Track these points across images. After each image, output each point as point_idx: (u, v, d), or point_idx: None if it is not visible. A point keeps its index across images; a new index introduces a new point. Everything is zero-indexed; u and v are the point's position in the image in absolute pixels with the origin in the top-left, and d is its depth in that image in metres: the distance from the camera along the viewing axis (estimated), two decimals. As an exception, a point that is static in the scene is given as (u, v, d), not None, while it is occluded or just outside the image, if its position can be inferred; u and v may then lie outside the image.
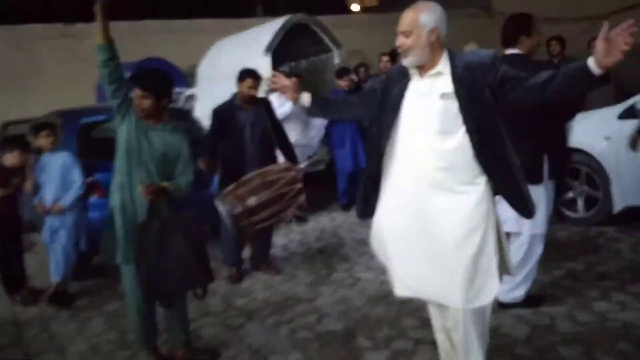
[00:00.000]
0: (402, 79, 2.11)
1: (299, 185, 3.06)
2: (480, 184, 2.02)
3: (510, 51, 2.85)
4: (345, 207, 5.82)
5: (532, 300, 3.03)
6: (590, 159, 4.22)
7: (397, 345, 2.86)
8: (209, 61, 7.33)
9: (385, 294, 3.32)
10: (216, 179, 4.05)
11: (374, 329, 3.05)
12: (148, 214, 2.58)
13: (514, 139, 2.06)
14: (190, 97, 7.82)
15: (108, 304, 3.81)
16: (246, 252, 4.31)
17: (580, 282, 3.34)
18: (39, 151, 4.00)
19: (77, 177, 3.90)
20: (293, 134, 5.19)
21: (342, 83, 5.66)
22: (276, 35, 6.03)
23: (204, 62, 7.46)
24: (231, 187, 3.03)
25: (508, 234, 2.56)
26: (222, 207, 2.94)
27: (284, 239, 5.00)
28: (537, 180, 2.77)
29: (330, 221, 5.49)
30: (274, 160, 3.92)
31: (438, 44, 2.01)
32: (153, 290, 2.55)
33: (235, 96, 3.99)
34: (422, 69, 2.05)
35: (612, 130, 3.97)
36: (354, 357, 2.81)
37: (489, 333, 2.20)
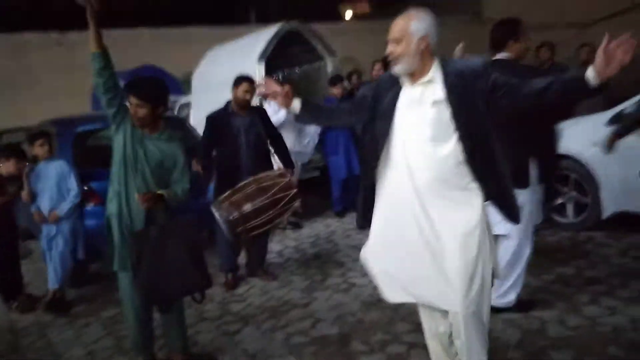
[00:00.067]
0: (393, 86, 2.12)
1: (294, 191, 3.10)
2: (473, 190, 2.06)
3: (498, 56, 2.89)
4: (340, 214, 5.87)
5: (522, 304, 3.07)
6: (579, 165, 4.28)
7: (391, 350, 2.89)
8: (203, 69, 7.37)
9: (379, 299, 3.33)
10: (212, 185, 4.08)
11: (368, 334, 3.09)
12: (145, 221, 2.60)
13: (501, 143, 2.09)
14: (185, 105, 7.85)
15: (105, 310, 3.83)
16: (242, 258, 4.34)
17: (570, 287, 3.38)
18: (35, 160, 4.03)
19: (73, 186, 3.93)
20: (287, 141, 5.21)
21: (336, 90, 5.71)
22: (269, 43, 6.09)
23: (198, 70, 7.50)
24: (227, 193, 3.06)
25: (496, 237, 2.61)
26: (218, 214, 2.97)
27: (279, 245, 5.04)
28: (523, 184, 2.81)
29: (325, 227, 5.54)
30: (269, 166, 3.94)
31: (428, 52, 2.03)
32: (152, 295, 2.57)
33: (229, 103, 4.02)
34: (413, 76, 2.06)
35: (601, 137, 4.03)
36: (348, 362, 2.84)
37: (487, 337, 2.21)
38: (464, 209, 2.05)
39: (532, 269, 3.26)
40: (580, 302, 3.17)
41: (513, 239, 2.91)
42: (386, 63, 2.33)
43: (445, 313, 2.19)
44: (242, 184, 3.11)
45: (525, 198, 2.80)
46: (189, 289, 2.66)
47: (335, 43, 7.24)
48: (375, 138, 2.15)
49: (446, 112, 1.99)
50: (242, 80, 3.94)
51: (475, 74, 2.01)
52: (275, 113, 5.06)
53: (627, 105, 4.05)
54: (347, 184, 5.84)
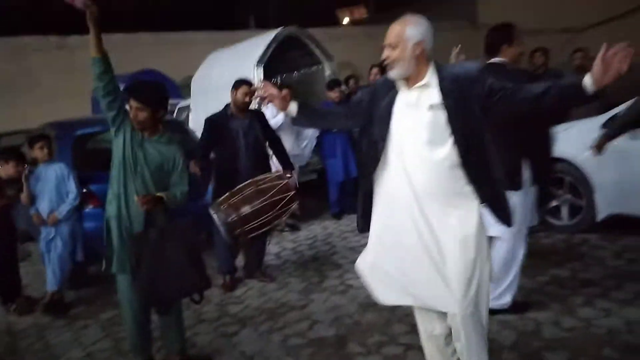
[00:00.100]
0: (389, 91, 2.14)
1: (292, 193, 3.13)
2: (469, 193, 2.08)
3: (492, 60, 2.93)
4: (337, 216, 5.91)
5: (518, 306, 3.09)
6: (573, 168, 4.32)
7: (388, 351, 2.91)
8: (202, 73, 7.41)
9: (375, 301, 3.38)
10: (210, 188, 4.10)
11: (365, 335, 3.11)
12: (144, 224, 2.62)
13: (495, 146, 2.11)
14: (184, 109, 7.89)
15: (103, 312, 3.84)
16: (239, 261, 4.36)
17: (565, 289, 3.41)
18: (34, 162, 4.05)
19: (72, 188, 3.95)
20: (285, 144, 5.26)
21: (333, 94, 5.75)
22: (268, 47, 6.14)
23: (197, 74, 7.54)
24: (225, 195, 3.09)
25: (489, 239, 2.63)
26: (216, 216, 3.00)
27: (277, 247, 5.06)
28: (516, 186, 2.84)
29: (322, 230, 5.56)
30: (267, 168, 3.97)
31: (424, 57, 2.05)
32: (151, 297, 2.59)
33: (228, 106, 4.05)
34: (409, 81, 2.08)
35: (595, 140, 4.07)
36: (345, 363, 2.86)
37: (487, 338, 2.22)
38: (462, 212, 2.07)
39: (527, 271, 3.29)
40: (575, 304, 3.19)
41: (505, 241, 2.94)
42: (383, 68, 2.35)
43: (441, 315, 2.21)
44: (240, 186, 3.14)
45: (517, 200, 2.83)
46: (188, 290, 2.67)
47: (332, 48, 7.30)
48: (372, 142, 2.17)
49: (442, 116, 2.01)
50: (242, 83, 3.98)
51: (471, 79, 2.04)
52: (273, 116, 5.10)
53: (621, 110, 4.09)
54: (344, 187, 5.88)
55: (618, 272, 3.62)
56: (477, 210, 2.09)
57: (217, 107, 4.20)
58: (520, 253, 3.00)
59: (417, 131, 2.04)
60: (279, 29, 6.39)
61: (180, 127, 5.54)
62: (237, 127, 3.96)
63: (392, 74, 2.08)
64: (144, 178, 2.65)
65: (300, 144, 5.77)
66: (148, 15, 14.93)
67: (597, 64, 1.78)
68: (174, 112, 7.96)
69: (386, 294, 2.23)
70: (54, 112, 7.33)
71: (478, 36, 3.50)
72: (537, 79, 3.14)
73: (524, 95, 1.98)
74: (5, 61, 10.79)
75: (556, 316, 3.05)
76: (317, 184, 6.25)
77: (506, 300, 3.04)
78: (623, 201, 4.09)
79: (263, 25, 13.66)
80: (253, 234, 3.04)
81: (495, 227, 2.73)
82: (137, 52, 11.40)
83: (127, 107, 2.67)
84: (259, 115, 4.20)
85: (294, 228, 5.58)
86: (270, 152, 4.26)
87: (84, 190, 4.08)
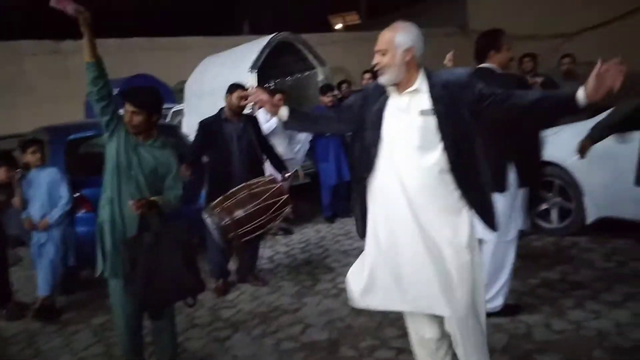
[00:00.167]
0: (380, 96, 2.16)
1: (284, 197, 3.14)
2: (459, 197, 2.09)
3: (481, 65, 2.97)
4: (330, 220, 5.93)
5: (509, 309, 3.11)
6: (563, 171, 4.37)
7: (380, 355, 2.92)
8: (196, 78, 7.42)
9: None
10: (203, 192, 4.11)
11: (357, 339, 3.12)
12: (138, 228, 2.61)
13: (482, 148, 2.14)
14: (177, 113, 7.90)
15: (95, 317, 3.83)
16: (232, 264, 4.36)
17: (555, 291, 3.44)
18: (27, 167, 4.04)
19: (64, 193, 3.94)
20: (279, 148, 5.28)
21: (326, 99, 5.78)
22: (261, 53, 6.16)
23: (191, 78, 7.55)
24: (218, 199, 3.10)
25: (480, 241, 2.65)
26: (209, 220, 3.01)
27: (269, 251, 5.07)
28: (501, 188, 2.86)
29: (315, 233, 5.58)
30: (260, 172, 3.97)
31: (414, 63, 2.07)
32: (146, 301, 2.58)
33: (222, 110, 4.07)
34: (399, 87, 2.10)
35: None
36: (338, 366, 2.87)
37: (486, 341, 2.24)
38: (454, 215, 2.09)
39: (517, 274, 3.33)
40: (565, 306, 3.22)
41: (493, 244, 2.96)
42: (375, 73, 2.38)
43: (431, 319, 2.22)
44: (233, 190, 3.16)
45: (504, 203, 2.86)
46: (183, 293, 2.67)
47: (325, 53, 7.34)
48: (364, 147, 2.18)
49: (432, 122, 2.03)
50: (236, 87, 4.00)
51: (461, 85, 2.07)
52: (266, 121, 5.12)
53: (609, 114, 4.14)
54: (337, 191, 5.91)
55: (607, 274, 3.66)
56: (468, 214, 2.12)
57: (210, 111, 4.21)
58: (511, 256, 3.03)
59: (408, 136, 2.06)
60: (272, 35, 6.43)
61: (173, 132, 5.54)
62: (231, 131, 3.97)
63: (383, 79, 2.10)
64: (138, 182, 2.65)
65: (293, 148, 5.79)
66: (142, 20, 14.93)
67: (591, 80, 1.82)
68: (167, 116, 7.96)
69: (378, 300, 2.19)
70: (48, 116, 7.32)
71: (469, 42, 3.54)
72: (526, 84, 3.19)
73: (515, 103, 2.02)
74: (0, 65, 10.76)
75: (547, 319, 3.08)
76: (310, 188, 6.27)
77: (498, 303, 3.06)
78: (612, 204, 4.14)
79: (257, 30, 13.68)
80: (246, 238, 3.05)
81: (483, 230, 2.75)
82: (131, 56, 11.40)
83: (121, 111, 2.67)
84: (252, 119, 4.22)
85: (286, 232, 5.59)
86: (264, 156, 4.28)
87: (77, 195, 4.07)
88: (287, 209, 3.17)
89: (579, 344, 2.79)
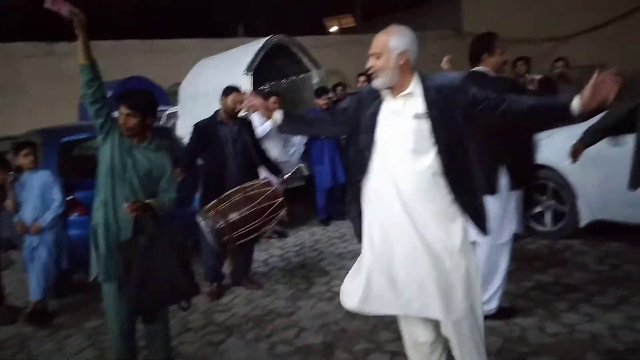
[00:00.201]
0: (375, 99, 2.17)
1: (279, 200, 3.14)
2: (452, 200, 2.09)
3: (475, 69, 2.99)
4: (324, 222, 5.93)
5: (503, 312, 3.12)
6: (556, 174, 4.39)
7: (374, 358, 2.92)
8: (191, 80, 7.42)
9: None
10: (197, 194, 4.09)
11: (352, 342, 3.11)
12: (133, 231, 2.60)
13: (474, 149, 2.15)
14: (172, 115, 7.89)
15: (88, 321, 3.80)
16: (226, 268, 4.35)
17: (549, 294, 3.45)
18: (19, 169, 4.01)
19: (56, 196, 3.91)
20: (273, 150, 5.30)
21: (321, 102, 5.79)
22: (256, 55, 6.18)
23: (186, 81, 7.54)
24: (213, 202, 3.09)
25: (473, 244, 2.65)
26: (204, 223, 3.00)
27: (264, 254, 5.06)
28: (491, 190, 2.87)
29: (310, 236, 5.58)
30: (255, 175, 3.97)
31: (408, 67, 2.08)
32: (140, 304, 2.56)
33: (217, 113, 4.06)
34: (393, 90, 2.11)
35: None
36: (332, 370, 2.86)
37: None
38: (448, 218, 2.09)
39: (512, 277, 3.33)
40: (559, 309, 3.23)
41: (486, 246, 2.96)
42: (370, 76, 2.40)
43: (425, 323, 2.22)
44: (228, 193, 3.15)
45: (496, 206, 2.87)
46: (178, 296, 2.65)
47: (320, 56, 7.36)
48: (359, 150, 2.19)
49: (426, 126, 2.04)
50: (232, 90, 4.00)
51: (455, 89, 2.08)
52: (261, 124, 5.11)
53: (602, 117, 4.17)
54: (332, 193, 5.91)
55: (601, 277, 3.68)
56: (463, 217, 2.12)
57: (205, 114, 4.20)
58: (504, 260, 3.03)
59: (402, 140, 2.07)
60: (267, 37, 6.44)
61: (168, 134, 5.53)
62: (226, 133, 3.97)
63: (377, 83, 2.11)
64: (133, 185, 2.64)
65: (288, 150, 5.80)
66: (137, 22, 14.91)
67: (587, 90, 1.85)
68: (161, 118, 7.94)
69: (374, 305, 2.18)
70: (42, 119, 7.29)
71: (463, 45, 3.57)
72: (518, 87, 3.20)
73: (509, 108, 2.03)
74: (-6, 67, 10.73)
75: (541, 322, 3.09)
76: (305, 190, 6.27)
77: (492, 306, 3.07)
78: (605, 207, 4.17)
79: (252, 33, 13.71)
80: (241, 241, 3.04)
81: (476, 233, 2.76)
82: (125, 59, 11.39)
83: (115, 114, 2.66)
84: (247, 122, 4.21)
85: (281, 235, 5.58)
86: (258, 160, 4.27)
87: (70, 198, 4.04)
88: (282, 212, 3.16)
89: (572, 347, 2.80)
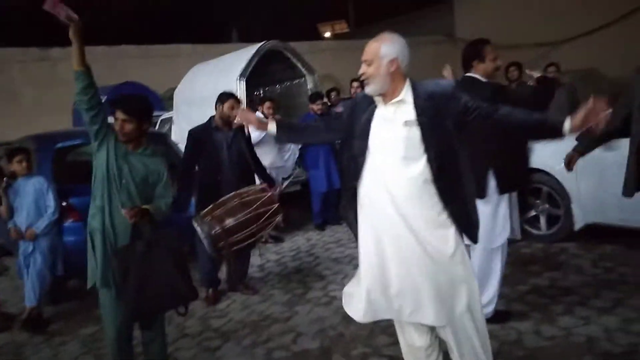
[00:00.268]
0: (369, 105, 2.19)
1: (275, 206, 3.13)
2: (443, 207, 2.10)
3: (466, 75, 3.01)
4: (320, 227, 5.93)
5: (499, 315, 3.12)
6: (551, 178, 4.42)
7: (372, 362, 2.92)
8: (185, 85, 7.41)
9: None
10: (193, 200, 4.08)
11: (349, 347, 3.11)
12: (131, 236, 2.59)
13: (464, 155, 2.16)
14: (166, 121, 7.88)
15: (83, 328, 3.77)
16: (223, 273, 4.34)
17: (544, 298, 3.46)
18: (13, 176, 3.99)
19: (51, 202, 3.90)
20: (268, 156, 5.30)
21: (315, 107, 5.80)
22: (251, 61, 6.18)
23: (180, 86, 7.54)
24: (209, 208, 3.08)
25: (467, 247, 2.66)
26: (199, 228, 2.99)
27: (260, 259, 5.04)
28: (480, 194, 2.85)
29: (306, 241, 5.57)
30: (251, 181, 3.97)
31: (399, 74, 2.10)
32: (138, 309, 2.55)
33: (212, 119, 4.06)
34: (385, 96, 2.13)
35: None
36: (329, 375, 2.86)
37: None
38: (441, 224, 2.10)
39: (507, 280, 3.35)
40: (555, 312, 3.24)
41: (479, 251, 2.95)
42: (363, 82, 2.44)
43: (420, 328, 2.23)
44: (224, 198, 3.14)
45: (487, 210, 2.87)
46: (176, 300, 2.64)
47: (314, 61, 7.39)
48: (352, 156, 2.20)
49: (416, 133, 2.05)
50: (229, 97, 4.00)
51: (446, 97, 2.09)
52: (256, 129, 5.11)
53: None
54: (327, 198, 5.91)
55: (596, 280, 3.70)
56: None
57: (200, 119, 4.20)
58: (497, 264, 3.03)
59: (393, 146, 2.08)
60: (261, 43, 6.45)
61: (162, 139, 5.51)
62: (221, 139, 3.96)
63: (368, 89, 2.14)
64: (129, 191, 2.63)
65: (283, 155, 5.80)
66: (131, 28, 14.90)
67: (581, 114, 1.92)
68: (156, 124, 7.93)
69: (363, 310, 2.18)
70: (35, 125, 7.25)
71: (456, 50, 3.60)
72: (509, 93, 3.22)
73: (500, 120, 2.09)
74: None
75: (537, 325, 3.10)
76: (301, 195, 6.27)
77: (488, 310, 3.06)
78: (599, 211, 4.20)
79: (246, 38, 13.74)
80: (237, 247, 3.03)
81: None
82: (120, 64, 11.38)
83: (110, 119, 2.65)
84: (242, 128, 4.20)
85: (277, 240, 5.58)
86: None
87: (64, 204, 4.02)
88: (278, 218, 3.16)
89: (568, 350, 2.81)
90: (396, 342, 2.78)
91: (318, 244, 5.40)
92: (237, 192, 3.17)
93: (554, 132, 2.00)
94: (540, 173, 4.43)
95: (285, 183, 5.48)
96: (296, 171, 6.31)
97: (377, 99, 2.16)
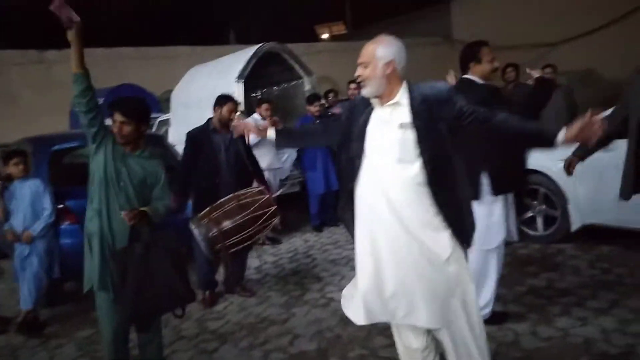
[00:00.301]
0: (366, 107, 2.19)
1: (273, 208, 3.13)
2: (438, 210, 2.10)
3: (463, 77, 3.02)
4: (318, 229, 5.93)
5: (497, 317, 3.13)
6: (547, 180, 4.43)
7: (369, 364, 2.92)
8: (183, 87, 7.41)
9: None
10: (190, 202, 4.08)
11: (346, 349, 3.11)
12: (129, 238, 2.59)
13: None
14: (164, 123, 7.87)
15: (80, 330, 3.76)
16: (220, 275, 4.33)
17: (541, 299, 3.47)
18: (10, 178, 3.98)
19: (47, 205, 3.88)
20: (266, 158, 5.30)
21: (313, 109, 5.80)
22: (248, 63, 6.19)
23: (177, 88, 7.54)
24: (206, 210, 3.08)
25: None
26: (197, 231, 2.98)
27: (257, 260, 5.04)
28: (474, 196, 2.84)
29: (303, 242, 5.57)
30: (249, 183, 3.96)
31: (395, 76, 2.10)
32: (136, 312, 2.54)
33: (209, 121, 4.06)
34: (382, 98, 2.13)
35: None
36: (327, 377, 2.86)
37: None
38: (438, 226, 2.09)
39: (504, 281, 3.35)
40: (552, 313, 3.24)
41: (474, 253, 2.88)
42: (359, 84, 2.45)
43: (417, 330, 2.22)
44: (221, 200, 3.13)
45: (480, 211, 2.85)
46: (175, 302, 2.64)
47: (312, 63, 7.40)
48: (350, 158, 2.21)
49: (411, 136, 2.05)
50: (228, 99, 4.00)
51: (441, 100, 2.09)
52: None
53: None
54: (325, 199, 5.91)
55: (593, 281, 3.71)
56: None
57: (197, 121, 4.20)
58: (493, 265, 3.02)
59: (389, 148, 2.08)
60: (259, 45, 6.45)
61: (160, 142, 5.51)
62: (219, 141, 3.96)
63: (365, 91, 2.14)
64: (128, 193, 2.63)
65: (281, 157, 5.80)
66: (129, 30, 14.89)
67: (576, 127, 1.93)
68: (153, 126, 7.92)
69: (366, 314, 2.17)
70: (32, 127, 7.23)
71: (453, 51, 3.60)
72: (504, 95, 3.22)
73: (495, 127, 2.10)
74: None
75: (534, 326, 3.10)
76: (298, 197, 6.26)
77: (486, 311, 3.06)
78: (596, 211, 4.21)
79: (244, 40, 13.75)
80: (234, 249, 3.02)
81: None
82: (118, 66, 11.37)
83: (107, 121, 2.65)
84: (240, 131, 4.20)
85: (274, 241, 5.57)
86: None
87: (61, 206, 4.01)
88: (276, 220, 3.16)
89: (566, 351, 2.81)
90: (393, 344, 2.78)
91: (315, 245, 5.40)
92: (235, 194, 3.17)
93: (547, 142, 2.02)
94: (537, 174, 4.44)
95: (283, 189, 5.49)
96: (294, 172, 6.31)
97: (374, 101, 2.16)
